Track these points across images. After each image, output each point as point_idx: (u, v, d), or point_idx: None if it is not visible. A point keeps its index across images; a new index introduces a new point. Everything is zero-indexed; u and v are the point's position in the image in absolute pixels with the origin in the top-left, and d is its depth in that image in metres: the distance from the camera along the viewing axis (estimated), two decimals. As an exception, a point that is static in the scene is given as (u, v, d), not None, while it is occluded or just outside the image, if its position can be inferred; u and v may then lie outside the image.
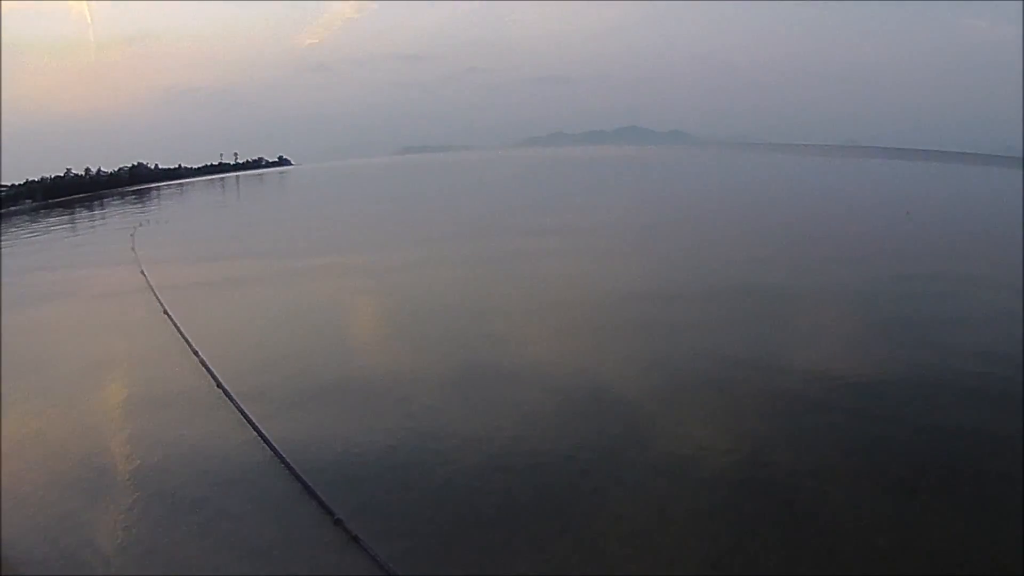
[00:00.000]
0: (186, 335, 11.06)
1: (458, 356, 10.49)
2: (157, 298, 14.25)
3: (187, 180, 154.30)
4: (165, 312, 13.07)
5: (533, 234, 23.40)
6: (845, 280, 14.87)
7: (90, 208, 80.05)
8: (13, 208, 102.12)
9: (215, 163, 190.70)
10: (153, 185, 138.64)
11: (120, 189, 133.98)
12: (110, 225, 48.20)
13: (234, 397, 8.47)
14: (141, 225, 34.29)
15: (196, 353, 10.07)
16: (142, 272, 17.91)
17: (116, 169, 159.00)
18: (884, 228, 23.85)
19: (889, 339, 10.63)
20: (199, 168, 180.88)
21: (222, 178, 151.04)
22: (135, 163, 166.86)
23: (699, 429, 7.82)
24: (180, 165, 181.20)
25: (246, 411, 8.17)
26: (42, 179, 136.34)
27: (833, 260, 17.33)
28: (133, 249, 20.48)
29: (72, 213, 72.94)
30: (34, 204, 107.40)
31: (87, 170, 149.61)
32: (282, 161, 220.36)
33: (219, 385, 8.72)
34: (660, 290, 14.60)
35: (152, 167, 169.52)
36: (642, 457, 7.18)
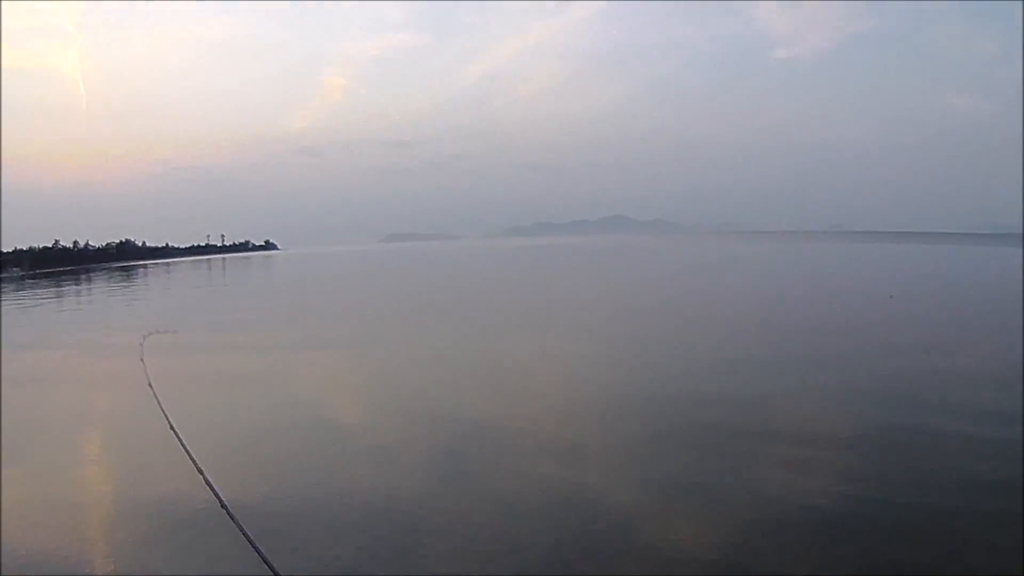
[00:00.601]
0: (181, 437, 9.15)
1: (443, 451, 10.58)
2: (153, 391, 11.80)
3: (174, 259, 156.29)
4: (162, 412, 11.15)
5: (520, 330, 23.87)
6: (828, 375, 14.71)
7: (77, 282, 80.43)
8: (1, 275, 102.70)
9: (202, 244, 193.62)
10: (140, 263, 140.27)
11: (107, 264, 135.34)
12: (103, 302, 48.72)
13: (236, 517, 7.18)
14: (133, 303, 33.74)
15: (201, 472, 7.73)
16: (142, 360, 16.12)
17: (104, 244, 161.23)
18: (868, 314, 23.99)
19: (869, 438, 10.56)
20: (186, 248, 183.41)
21: (208, 259, 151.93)
22: (123, 239, 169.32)
23: (684, 521, 7.72)
24: (167, 244, 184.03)
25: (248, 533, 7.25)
26: (30, 248, 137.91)
27: (815, 354, 17.23)
28: (141, 345, 17.85)
29: (59, 285, 73.57)
30: (21, 273, 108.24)
31: (75, 243, 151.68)
32: (268, 245, 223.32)
33: (223, 506, 7.14)
34: (649, 385, 14.61)
35: (140, 244, 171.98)
36: (625, 549, 7.02)
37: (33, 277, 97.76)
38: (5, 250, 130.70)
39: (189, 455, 7.87)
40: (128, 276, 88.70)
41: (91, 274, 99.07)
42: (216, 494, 6.57)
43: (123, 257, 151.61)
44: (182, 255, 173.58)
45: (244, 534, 5.48)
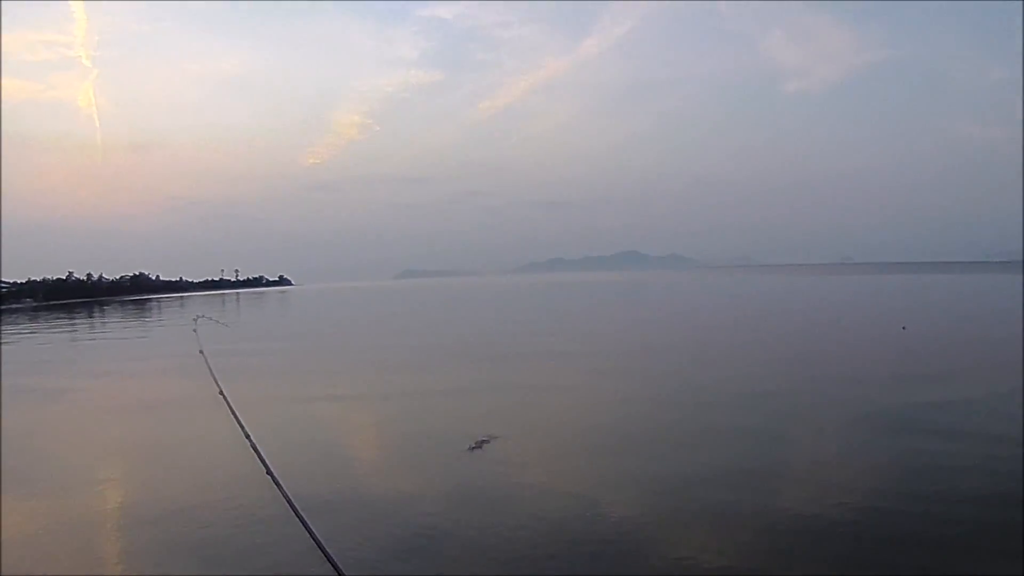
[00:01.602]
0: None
1: (459, 478, 10.53)
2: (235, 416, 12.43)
3: (188, 293, 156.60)
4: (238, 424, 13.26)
5: (540, 358, 24.71)
6: (842, 400, 15.25)
7: (91, 314, 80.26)
8: (14, 305, 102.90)
9: (216, 278, 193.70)
10: (154, 296, 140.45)
11: (120, 297, 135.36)
12: (127, 334, 48.35)
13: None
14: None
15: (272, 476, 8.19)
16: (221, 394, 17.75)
17: (118, 276, 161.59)
18: (881, 343, 24.82)
19: (884, 459, 10.77)
20: (200, 282, 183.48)
21: (223, 294, 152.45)
22: (137, 272, 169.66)
23: (695, 551, 7.64)
24: (181, 278, 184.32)
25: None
26: (43, 279, 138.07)
27: (830, 379, 17.97)
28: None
29: (73, 318, 73.28)
30: (35, 304, 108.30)
31: (89, 275, 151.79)
32: (282, 280, 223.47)
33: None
34: (661, 410, 15.19)
35: (154, 277, 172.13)
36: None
37: (48, 308, 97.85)
38: (20, 281, 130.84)
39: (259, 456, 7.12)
40: (141, 309, 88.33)
41: (103, 307, 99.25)
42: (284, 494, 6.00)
43: (137, 290, 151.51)
44: (196, 289, 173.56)
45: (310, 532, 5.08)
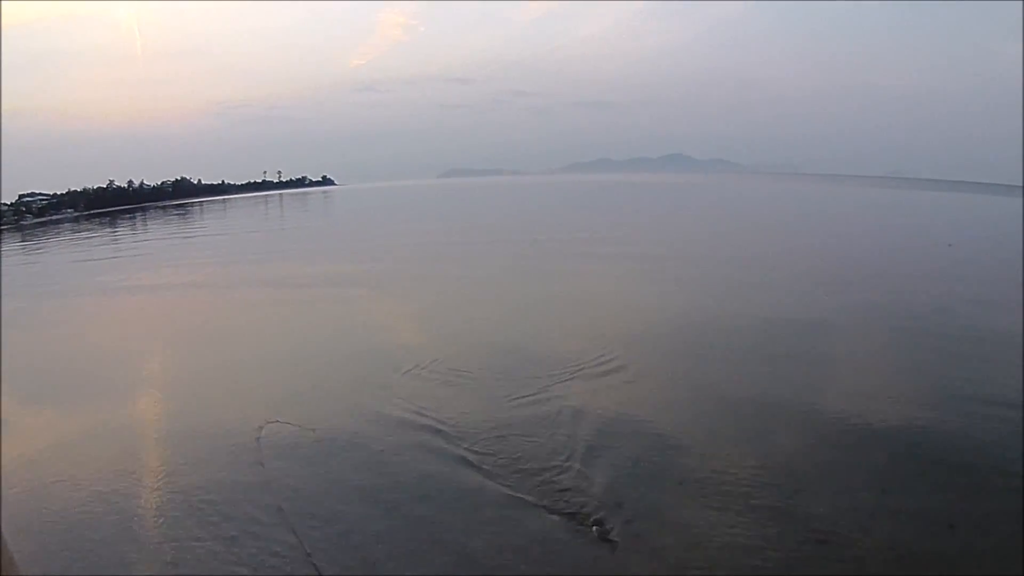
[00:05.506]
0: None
1: (504, 387, 10.53)
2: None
3: (230, 196, 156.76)
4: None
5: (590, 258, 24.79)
6: (884, 317, 15.08)
7: (132, 221, 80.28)
8: (55, 216, 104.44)
9: (258, 180, 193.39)
10: (196, 200, 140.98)
11: (162, 203, 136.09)
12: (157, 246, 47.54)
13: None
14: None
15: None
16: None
17: (159, 182, 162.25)
18: (927, 261, 24.59)
19: (927, 376, 10.82)
20: (242, 185, 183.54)
21: (265, 196, 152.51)
22: (178, 177, 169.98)
23: (737, 460, 7.83)
24: (223, 181, 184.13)
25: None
26: (84, 189, 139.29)
27: (873, 298, 17.20)
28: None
29: (114, 226, 73.32)
30: (75, 214, 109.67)
31: (130, 182, 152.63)
32: (325, 181, 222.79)
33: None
34: (703, 321, 14.95)
35: (195, 182, 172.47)
36: (678, 488, 7.25)
37: (88, 217, 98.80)
38: (60, 192, 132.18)
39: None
40: (183, 214, 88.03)
41: (145, 213, 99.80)
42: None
43: (178, 195, 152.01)
44: (238, 192, 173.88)
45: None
